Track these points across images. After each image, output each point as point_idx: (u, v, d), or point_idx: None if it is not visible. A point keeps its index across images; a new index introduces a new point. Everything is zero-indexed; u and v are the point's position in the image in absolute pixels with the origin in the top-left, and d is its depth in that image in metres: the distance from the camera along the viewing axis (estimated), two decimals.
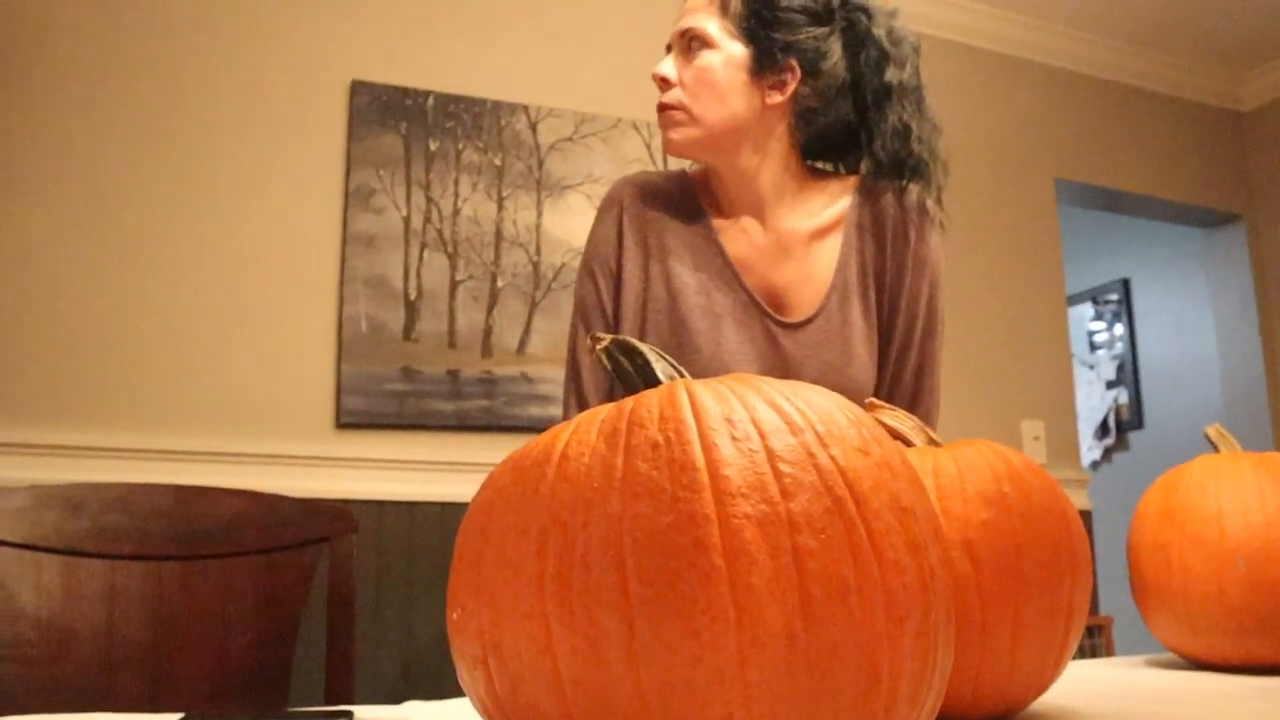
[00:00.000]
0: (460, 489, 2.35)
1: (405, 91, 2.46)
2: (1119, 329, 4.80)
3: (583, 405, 1.23)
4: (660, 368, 0.63)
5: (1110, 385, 4.82)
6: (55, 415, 2.12)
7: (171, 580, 1.29)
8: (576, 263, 2.51)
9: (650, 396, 0.55)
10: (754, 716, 0.46)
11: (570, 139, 2.60)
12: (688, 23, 1.18)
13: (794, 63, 1.16)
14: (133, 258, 2.23)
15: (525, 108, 2.57)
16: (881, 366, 1.23)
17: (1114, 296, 4.83)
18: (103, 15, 2.29)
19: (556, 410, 2.43)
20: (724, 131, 1.17)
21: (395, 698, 2.22)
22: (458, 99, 2.51)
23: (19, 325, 2.13)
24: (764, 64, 1.16)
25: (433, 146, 2.46)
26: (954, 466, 0.80)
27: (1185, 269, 4.49)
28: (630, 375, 0.64)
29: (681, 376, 0.63)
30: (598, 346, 0.66)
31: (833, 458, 0.52)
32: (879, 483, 0.52)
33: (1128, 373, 4.73)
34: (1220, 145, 3.85)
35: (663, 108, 1.19)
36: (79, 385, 2.15)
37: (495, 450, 2.41)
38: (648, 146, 2.66)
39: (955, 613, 0.71)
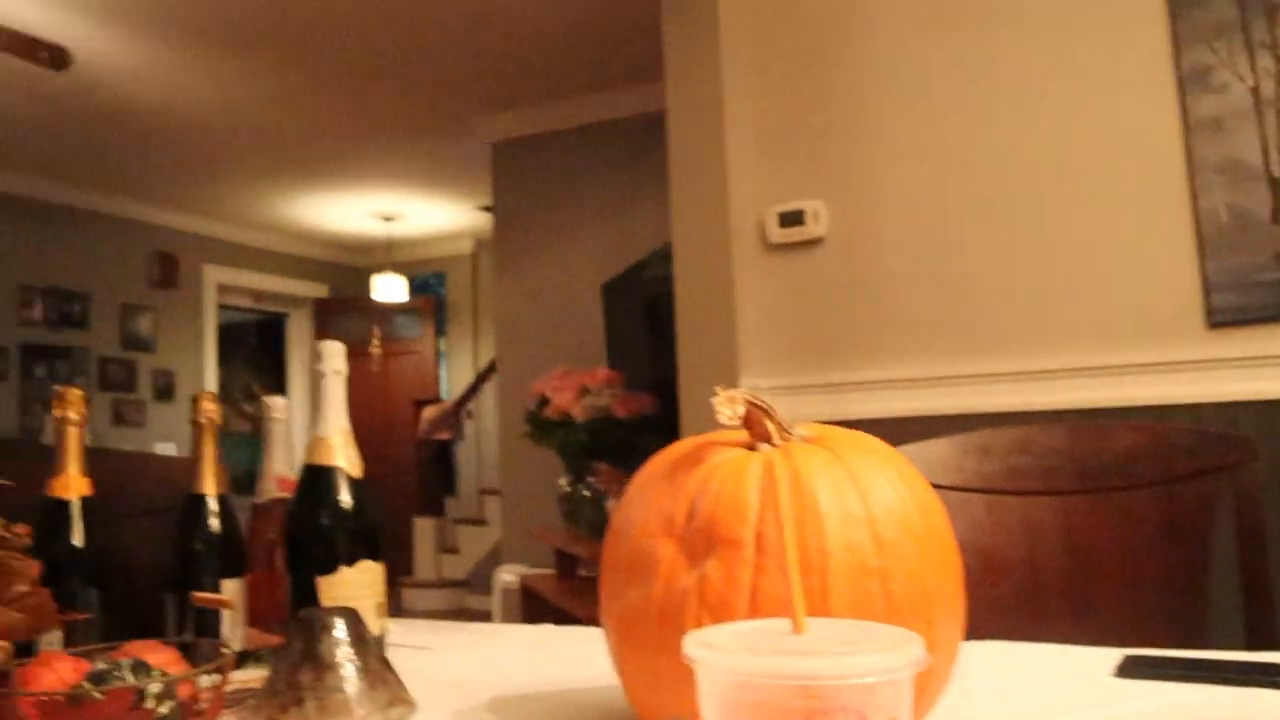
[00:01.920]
0: None
1: None
2: None
3: None
4: None
5: None
6: (932, 349, 2.39)
7: (1077, 513, 1.39)
8: None
9: None
10: None
11: None
12: None
13: None
14: (975, 190, 2.39)
15: None
16: None
17: None
18: None
19: None
20: None
21: None
22: None
23: (900, 276, 2.43)
24: None
25: None
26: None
27: None
28: None
29: None
30: None
31: None
32: None
33: None
34: None
35: None
36: (949, 319, 2.38)
37: None
38: None
39: None
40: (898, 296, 2.43)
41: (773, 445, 0.73)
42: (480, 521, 7.52)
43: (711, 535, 0.66)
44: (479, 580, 7.10)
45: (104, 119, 5.49)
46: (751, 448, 0.74)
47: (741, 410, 0.70)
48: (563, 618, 3.38)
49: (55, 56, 3.77)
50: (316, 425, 1.09)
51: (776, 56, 2.60)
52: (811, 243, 2.51)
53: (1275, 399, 2.14)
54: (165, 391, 7.46)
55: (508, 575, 4.78)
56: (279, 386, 9.03)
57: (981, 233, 2.38)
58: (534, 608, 4.06)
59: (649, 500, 0.73)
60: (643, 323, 4.20)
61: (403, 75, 5.02)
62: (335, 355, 1.09)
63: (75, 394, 1.07)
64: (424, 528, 7.77)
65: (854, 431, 0.76)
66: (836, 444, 0.73)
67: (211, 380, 7.88)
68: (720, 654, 0.41)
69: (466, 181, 7.01)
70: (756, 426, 0.73)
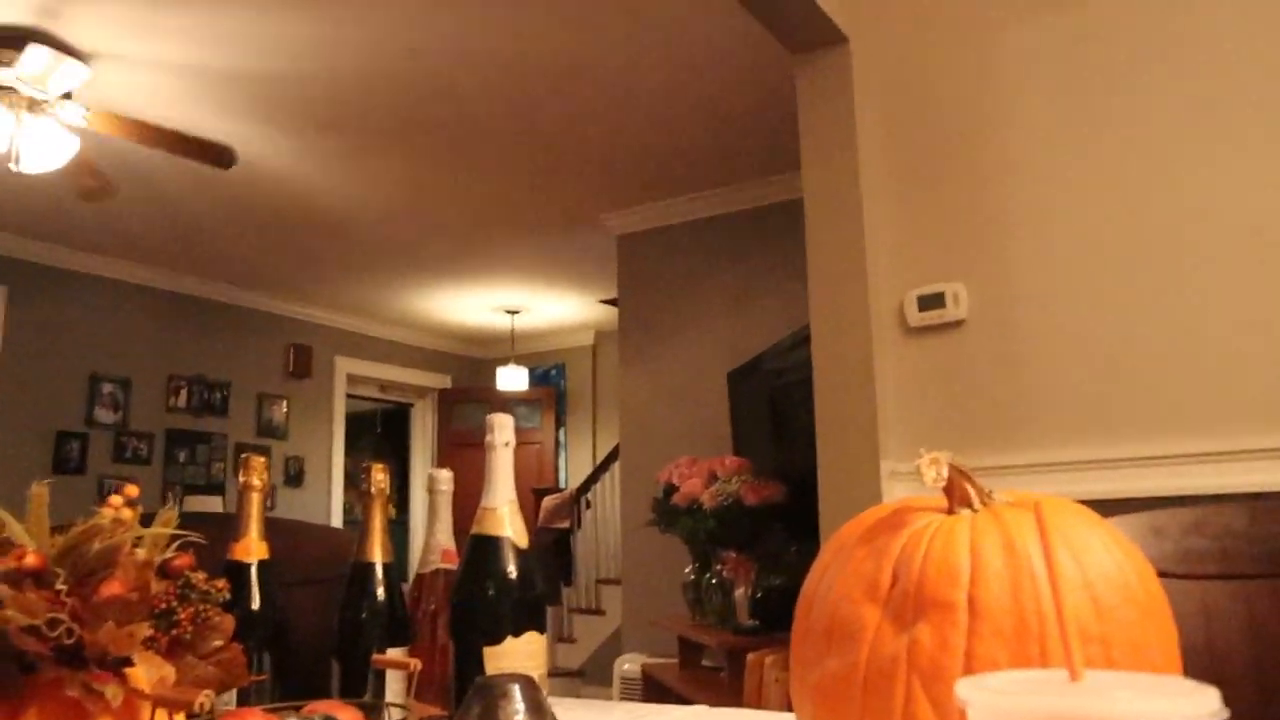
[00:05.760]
0: None
1: None
2: None
3: None
4: None
5: None
6: (1079, 432, 2.31)
7: (1260, 598, 1.32)
8: None
9: None
10: None
11: None
12: None
13: None
14: (1119, 268, 2.33)
15: None
16: None
17: None
18: (1045, 60, 2.46)
19: None
20: None
21: None
22: None
23: (1045, 357, 2.38)
24: None
25: None
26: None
27: None
28: None
29: None
30: None
31: None
32: None
33: None
34: None
35: None
36: (1098, 402, 2.31)
37: None
38: None
39: None
40: (1042, 378, 2.37)
41: (973, 510, 0.71)
42: (598, 611, 7.48)
43: (921, 599, 0.65)
44: (594, 670, 7.04)
45: (249, 217, 5.81)
46: (950, 513, 0.72)
47: (945, 472, 0.69)
48: None
49: (223, 156, 4.01)
50: (484, 497, 1.11)
51: (912, 140, 2.61)
52: (952, 325, 2.47)
53: None
54: (295, 477, 7.69)
55: (628, 664, 4.73)
56: (402, 474, 9.23)
57: (1127, 312, 2.31)
58: (656, 697, 4.00)
59: (847, 566, 0.71)
60: (766, 412, 4.19)
61: (531, 171, 5.18)
62: (505, 428, 1.11)
63: (258, 461, 1.11)
64: None
65: (1057, 497, 0.74)
66: (1043, 508, 0.71)
67: (339, 466, 8.10)
68: (1005, 697, 0.39)
69: (589, 274, 7.15)
70: (957, 490, 0.72)
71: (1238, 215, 2.24)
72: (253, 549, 1.12)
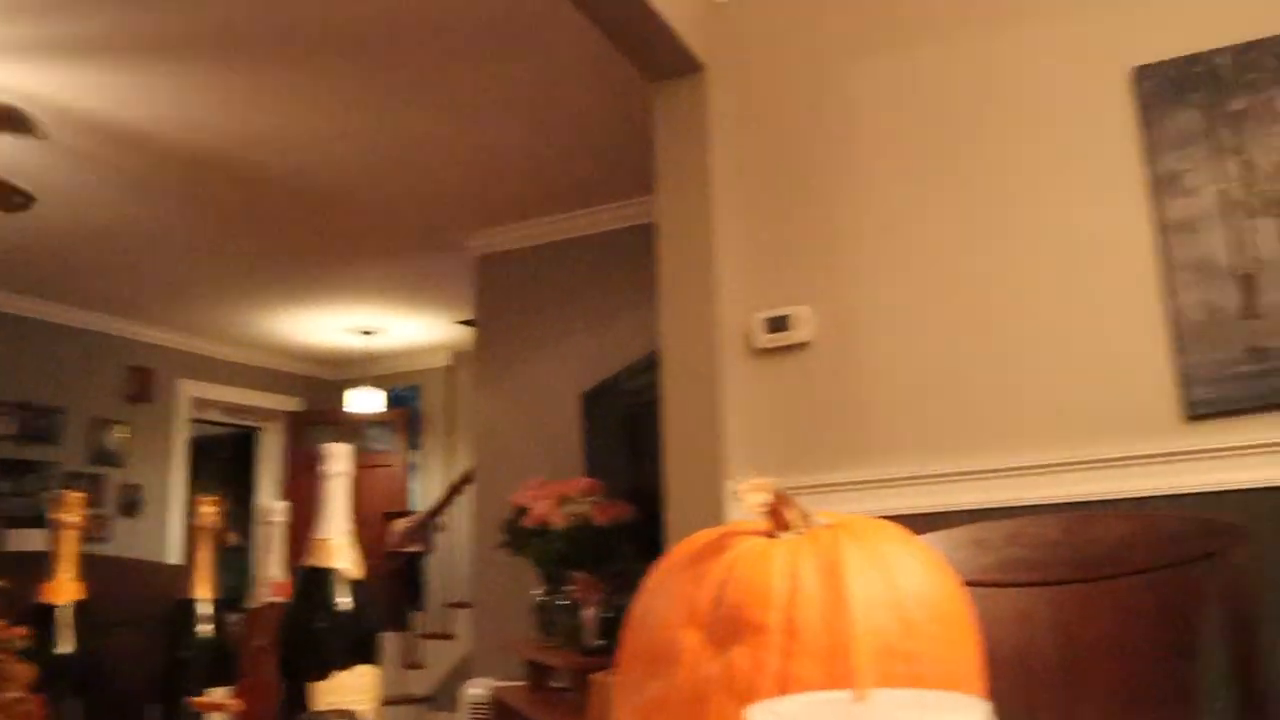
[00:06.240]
0: None
1: (1190, 60, 2.32)
2: None
3: None
4: None
5: None
6: (916, 450, 2.41)
7: (1071, 603, 1.39)
8: None
9: None
10: None
11: None
12: None
13: None
14: (960, 293, 2.44)
15: None
16: None
17: None
18: (893, 94, 2.57)
19: None
20: None
21: None
22: (1253, 45, 2.29)
23: (891, 382, 2.47)
24: None
25: (1236, 106, 2.28)
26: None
27: None
28: None
29: None
30: None
31: None
32: None
33: None
34: None
35: None
36: (938, 420, 2.41)
37: None
38: None
39: None
40: (884, 397, 2.46)
41: (794, 532, 0.73)
42: (448, 636, 7.36)
43: (738, 621, 0.66)
44: (445, 697, 6.92)
45: (77, 238, 5.52)
46: (772, 536, 0.74)
47: (768, 497, 0.70)
48: None
49: (22, 200, 3.84)
50: (318, 527, 1.08)
51: (764, 167, 2.68)
52: (798, 347, 2.54)
53: (1255, 486, 2.16)
54: (131, 506, 7.32)
55: (476, 689, 4.67)
56: (246, 501, 8.90)
57: (963, 334, 2.42)
58: None
59: (671, 589, 0.72)
60: (621, 433, 4.21)
61: (387, 195, 5.10)
62: (340, 457, 1.08)
63: (75, 497, 1.06)
64: (388, 643, 7.59)
65: (872, 519, 0.77)
66: (860, 530, 0.73)
67: (179, 496, 7.76)
68: None
69: (447, 295, 7.06)
70: (779, 514, 0.74)
71: (1062, 247, 2.39)
72: (63, 589, 1.06)
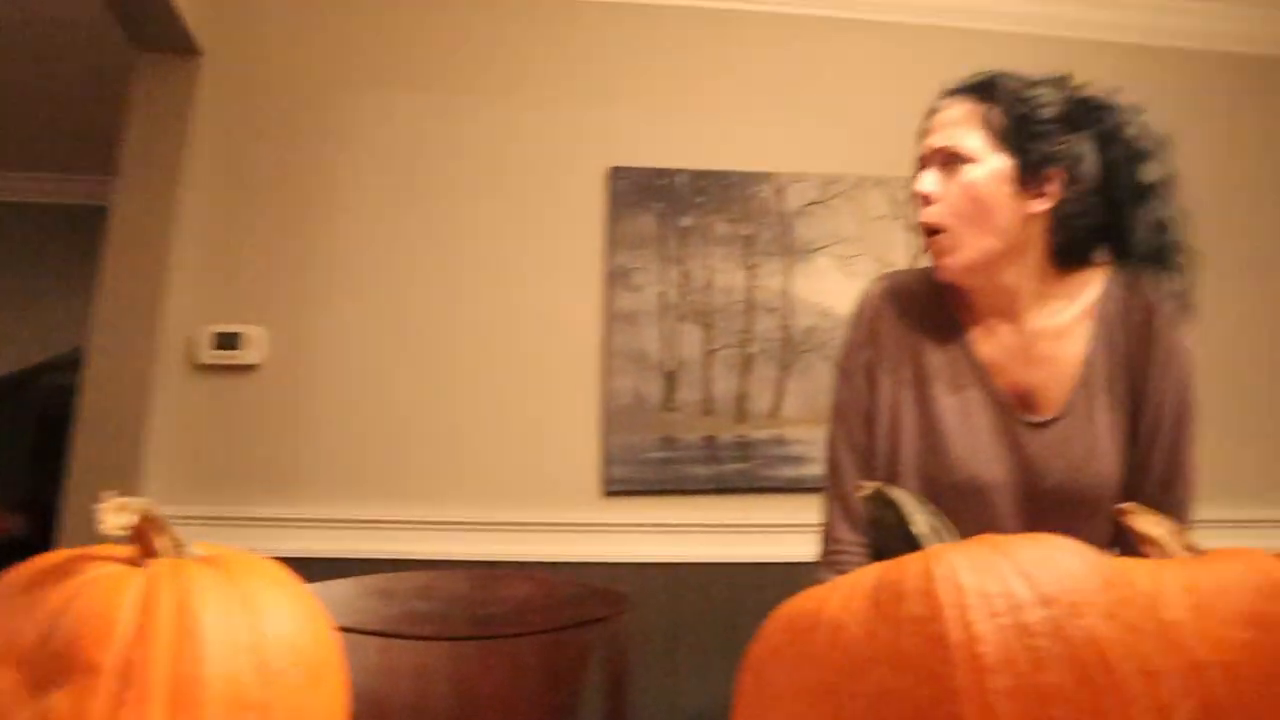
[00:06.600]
0: (718, 549, 2.43)
1: (658, 173, 2.60)
2: None
3: (844, 502, 1.28)
4: (921, 521, 0.68)
5: None
6: (364, 493, 2.37)
7: (470, 658, 1.43)
8: (826, 324, 2.56)
9: (912, 567, 0.59)
10: None
11: (816, 202, 2.65)
12: (947, 140, 1.20)
13: (1055, 170, 1.17)
14: (420, 349, 2.47)
15: (770, 176, 2.64)
16: (1130, 459, 1.21)
17: None
18: (383, 149, 2.56)
19: (809, 469, 2.47)
20: (993, 255, 1.20)
21: None
22: (707, 174, 2.62)
23: (335, 419, 2.41)
24: (1027, 174, 1.18)
25: (685, 222, 2.57)
26: (1213, 583, 0.78)
27: None
28: (891, 528, 0.68)
29: (942, 528, 0.67)
30: (860, 494, 0.72)
31: (1082, 627, 0.55)
32: (1127, 647, 0.55)
33: None
34: None
35: (928, 231, 1.21)
36: (382, 467, 2.40)
37: (752, 511, 2.47)
38: (893, 203, 2.67)
39: None
40: (329, 437, 2.39)
41: (163, 559, 0.66)
42: None
43: (66, 660, 0.58)
44: None
45: None
46: (136, 564, 0.66)
47: (132, 520, 0.63)
48: None
49: None
50: None
51: (242, 175, 2.51)
52: (247, 368, 2.40)
53: (652, 561, 2.41)
54: None
55: None
56: None
57: (415, 387, 2.44)
58: None
59: None
60: (30, 434, 3.69)
61: None
62: None
63: None
64: None
65: (253, 555, 0.72)
66: (232, 566, 0.68)
67: None
68: None
69: None
70: (148, 539, 0.66)
71: (522, 319, 2.51)
72: None
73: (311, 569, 2.21)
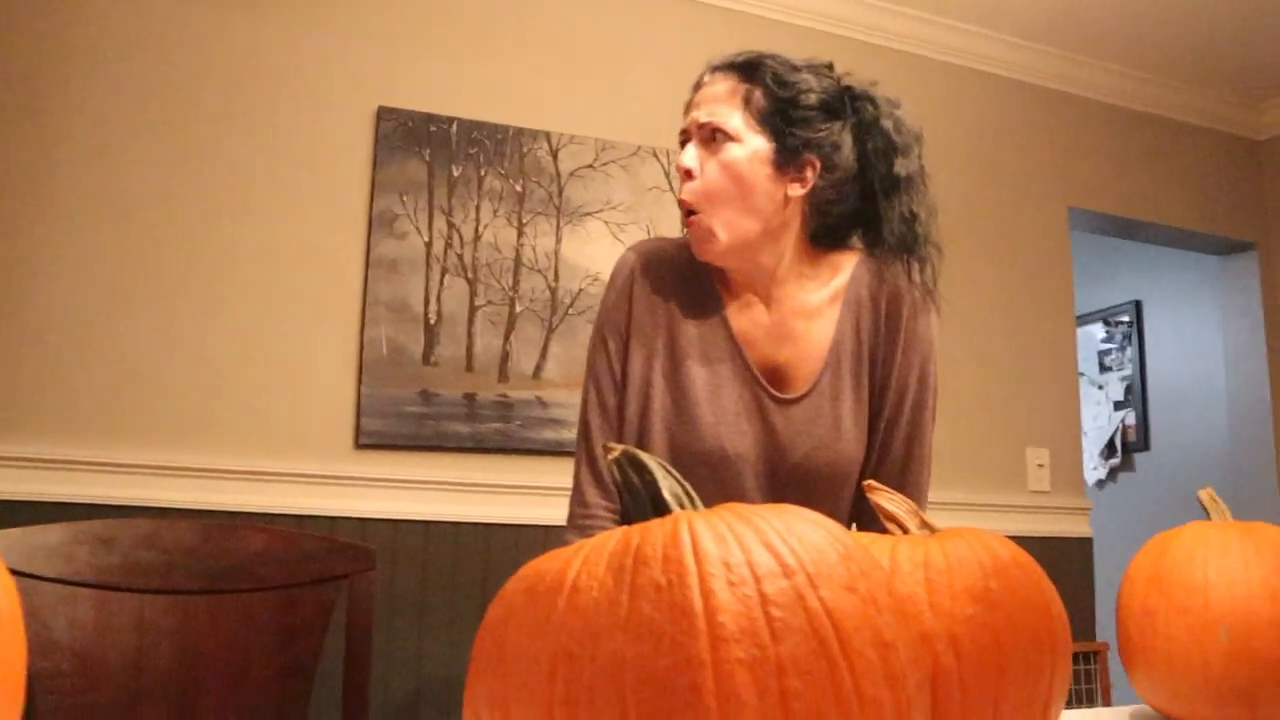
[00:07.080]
0: (475, 509, 2.41)
1: (430, 118, 2.52)
2: (1129, 350, 4.82)
3: (593, 465, 1.28)
4: (667, 487, 0.68)
5: (1118, 406, 4.85)
6: (87, 433, 2.19)
7: (198, 614, 1.35)
8: (594, 289, 2.57)
9: (656, 533, 0.59)
10: None
11: (590, 166, 2.65)
12: (710, 116, 1.21)
13: (813, 157, 1.21)
14: (161, 281, 2.29)
15: (547, 135, 2.62)
16: (871, 438, 1.28)
17: (1126, 318, 4.85)
18: (127, 53, 2.35)
19: (569, 433, 2.49)
20: (751, 236, 1.22)
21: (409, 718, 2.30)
22: (481, 125, 2.56)
23: (58, 348, 2.20)
24: (786, 158, 1.21)
25: (455, 172, 2.51)
26: (943, 560, 0.84)
27: (1197, 293, 4.51)
28: (638, 492, 0.69)
29: (688, 496, 0.68)
30: (609, 457, 0.72)
31: (821, 599, 0.56)
32: (863, 619, 0.57)
33: (1136, 394, 4.75)
34: (1236, 173, 3.86)
35: (687, 210, 1.23)
36: (111, 405, 2.22)
37: (510, 472, 2.46)
38: (666, 174, 2.71)
39: (936, 708, 0.76)
40: (55, 369, 2.19)
41: None
42: None
43: None
44: None
45: None
46: None
47: None
48: None
49: None
50: None
51: None
52: None
53: (402, 517, 2.36)
54: None
55: None
56: None
57: (158, 320, 2.27)
58: None
59: None
60: None
61: None
62: None
63: None
64: None
65: None
66: None
67: None
68: None
69: None
70: None
71: (279, 257, 2.38)
72: None
73: (19, 514, 2.02)
